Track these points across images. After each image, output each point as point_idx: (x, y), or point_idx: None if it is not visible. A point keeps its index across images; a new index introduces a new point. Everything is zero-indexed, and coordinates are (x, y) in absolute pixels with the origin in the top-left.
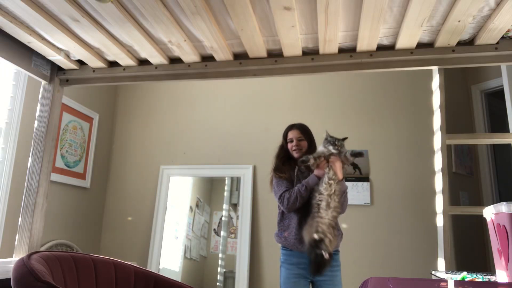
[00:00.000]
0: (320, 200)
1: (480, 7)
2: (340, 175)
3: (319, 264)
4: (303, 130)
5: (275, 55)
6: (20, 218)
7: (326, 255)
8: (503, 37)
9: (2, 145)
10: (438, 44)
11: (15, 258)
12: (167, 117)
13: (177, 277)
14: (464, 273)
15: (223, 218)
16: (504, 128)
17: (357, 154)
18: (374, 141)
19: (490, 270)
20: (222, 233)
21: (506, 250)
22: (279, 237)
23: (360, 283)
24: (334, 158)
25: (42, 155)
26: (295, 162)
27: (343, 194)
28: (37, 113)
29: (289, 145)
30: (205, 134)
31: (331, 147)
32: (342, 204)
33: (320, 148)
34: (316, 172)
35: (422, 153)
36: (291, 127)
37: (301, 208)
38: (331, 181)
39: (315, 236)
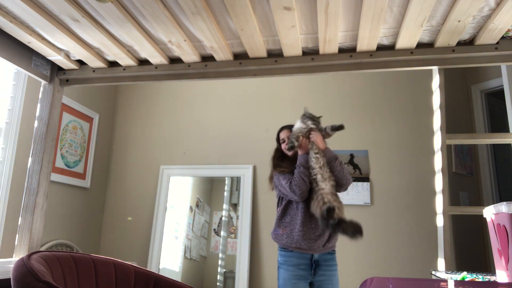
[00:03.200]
0: (315, 174)
1: (480, 7)
2: (322, 146)
3: (346, 229)
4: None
5: (275, 55)
6: (20, 218)
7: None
8: (503, 37)
9: (2, 145)
10: (438, 44)
11: (15, 258)
12: (167, 117)
13: (177, 277)
14: (464, 273)
15: (223, 218)
16: (504, 128)
17: (338, 128)
18: (374, 141)
19: (490, 270)
20: (222, 233)
21: (506, 250)
22: (276, 235)
23: (360, 283)
24: (313, 133)
25: (42, 155)
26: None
27: (336, 161)
28: (37, 113)
29: (283, 146)
30: (205, 134)
31: (310, 122)
32: (342, 172)
33: (297, 124)
34: (299, 151)
35: (422, 153)
36: (281, 129)
37: (304, 205)
38: (317, 155)
39: (326, 206)
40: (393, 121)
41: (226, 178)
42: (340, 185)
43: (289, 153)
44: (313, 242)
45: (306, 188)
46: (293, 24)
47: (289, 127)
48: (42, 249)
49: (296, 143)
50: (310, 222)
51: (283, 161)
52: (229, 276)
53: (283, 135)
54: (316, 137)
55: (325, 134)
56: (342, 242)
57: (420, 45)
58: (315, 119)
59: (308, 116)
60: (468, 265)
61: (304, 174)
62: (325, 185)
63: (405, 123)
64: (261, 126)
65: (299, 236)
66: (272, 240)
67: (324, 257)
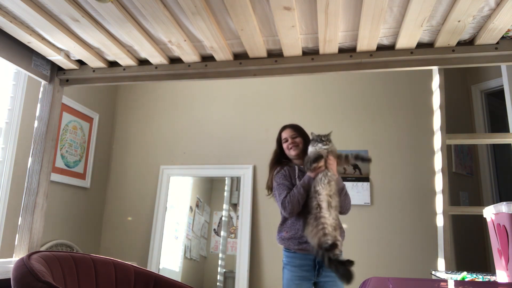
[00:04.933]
0: (321, 201)
1: (480, 7)
2: (335, 174)
3: (338, 270)
4: (296, 128)
5: (275, 55)
6: (20, 218)
7: (340, 255)
8: (503, 37)
9: (2, 145)
10: (438, 44)
11: (15, 258)
12: (167, 117)
13: (177, 277)
14: (464, 273)
15: (223, 218)
16: (504, 128)
17: (363, 159)
18: (374, 141)
19: (490, 270)
20: (222, 233)
21: (506, 250)
22: (281, 239)
23: (360, 283)
24: (331, 158)
25: (42, 155)
26: (291, 162)
27: (343, 191)
28: (37, 113)
29: (285, 145)
30: (205, 134)
31: (320, 145)
32: (344, 202)
33: (310, 149)
34: (310, 173)
35: (422, 153)
36: (283, 128)
37: (305, 209)
38: (331, 181)
39: (328, 241)
40: (393, 121)
41: (226, 178)
42: (339, 212)
43: (293, 152)
44: None
45: (297, 210)
46: (293, 24)
47: (292, 126)
48: (42, 249)
49: (321, 163)
50: None
51: (282, 163)
52: (229, 276)
53: (285, 134)
54: (332, 164)
55: (345, 161)
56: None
57: (420, 45)
58: (323, 139)
59: (315, 140)
60: (468, 265)
61: (302, 197)
62: (328, 215)
63: (405, 123)
64: (261, 126)
65: (302, 239)
66: (272, 240)
67: None
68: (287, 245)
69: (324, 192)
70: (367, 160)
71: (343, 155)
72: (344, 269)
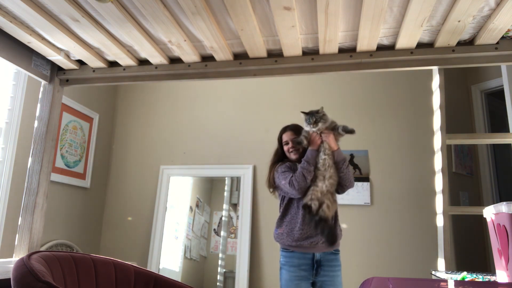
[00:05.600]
0: (317, 175)
1: (480, 7)
2: (334, 146)
3: (322, 229)
4: (297, 131)
5: (275, 55)
6: (20, 218)
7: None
8: (503, 37)
9: (2, 145)
10: (438, 44)
11: (15, 258)
12: (167, 117)
13: (177, 277)
14: (464, 273)
15: (223, 218)
16: (504, 128)
17: (349, 131)
18: (374, 141)
19: (490, 270)
20: (222, 233)
21: (506, 250)
22: (278, 234)
23: (360, 283)
24: (326, 131)
25: (42, 155)
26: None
27: (344, 163)
28: (37, 113)
29: (285, 148)
30: (205, 134)
31: (313, 118)
32: (347, 175)
33: (305, 128)
34: (311, 146)
35: (422, 153)
36: (284, 130)
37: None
38: (326, 155)
39: (308, 203)
40: (393, 121)
41: (226, 178)
42: (342, 186)
43: (293, 156)
44: (314, 239)
45: (305, 185)
46: (293, 24)
47: (292, 128)
48: (42, 249)
49: (305, 141)
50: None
51: (283, 162)
52: (229, 276)
53: (286, 137)
54: (328, 136)
55: (337, 134)
56: (341, 242)
57: (420, 45)
58: (314, 114)
59: (309, 116)
60: (468, 265)
61: (307, 171)
62: (321, 184)
63: (405, 123)
64: (261, 126)
65: (299, 234)
66: (272, 240)
67: (326, 257)
68: (284, 242)
69: (322, 168)
70: (351, 131)
71: (334, 125)
72: (328, 230)
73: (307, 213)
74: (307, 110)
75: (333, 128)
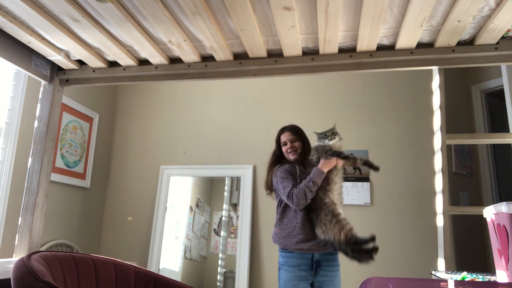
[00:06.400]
0: (335, 198)
1: (480, 7)
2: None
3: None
4: (295, 131)
5: (275, 55)
6: (20, 218)
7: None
8: (503, 37)
9: (2, 145)
10: (438, 44)
11: (15, 258)
12: (167, 117)
13: (177, 277)
14: (464, 273)
15: (223, 218)
16: (504, 128)
17: (371, 166)
18: (374, 141)
19: (490, 270)
20: (222, 233)
21: (506, 250)
22: (277, 237)
23: (360, 283)
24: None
25: (42, 155)
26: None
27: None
28: (37, 113)
29: (284, 148)
30: (205, 134)
31: (326, 141)
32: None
33: (317, 144)
34: (325, 168)
35: (422, 153)
36: (282, 131)
37: (311, 205)
38: (339, 181)
39: (358, 234)
40: (393, 121)
41: (226, 178)
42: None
43: (292, 157)
44: (313, 243)
45: (304, 203)
46: (293, 24)
47: (291, 129)
48: (42, 249)
49: (350, 161)
50: (309, 223)
51: (282, 164)
52: (229, 276)
53: (284, 137)
54: (340, 163)
55: (352, 162)
56: None
57: (420, 45)
58: (328, 135)
59: (321, 137)
60: (468, 265)
61: (310, 191)
62: (342, 211)
63: (405, 123)
64: (261, 126)
65: (299, 238)
66: (272, 240)
67: (325, 257)
68: (283, 244)
69: (335, 192)
70: (375, 168)
71: (352, 156)
72: (368, 256)
73: (350, 244)
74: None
75: (350, 158)
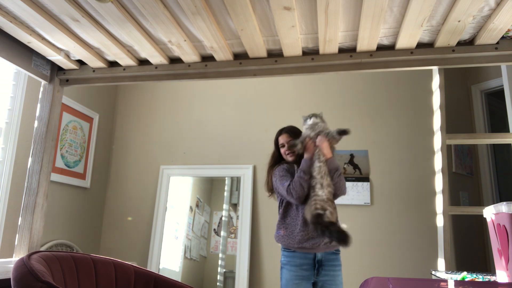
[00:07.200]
0: (315, 183)
1: (480, 7)
2: (328, 154)
3: (332, 233)
4: (292, 133)
5: (275, 55)
6: (20, 218)
7: (330, 220)
8: (503, 37)
9: (2, 145)
10: (438, 44)
11: (15, 258)
12: (167, 117)
13: (177, 277)
14: (464, 273)
15: (223, 218)
16: (504, 128)
17: (343, 132)
18: (374, 141)
19: (490, 270)
20: (222, 233)
21: (506, 250)
22: (280, 236)
23: (360, 283)
24: (320, 138)
25: (42, 155)
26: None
27: (336, 172)
28: (37, 113)
29: (282, 150)
30: (205, 134)
31: (307, 121)
32: (339, 184)
33: (304, 131)
34: (305, 155)
35: (422, 153)
36: (280, 132)
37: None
38: (321, 164)
39: (315, 212)
40: (393, 121)
41: (226, 178)
42: (334, 194)
43: (290, 158)
44: (315, 241)
45: (303, 193)
46: (293, 24)
47: (288, 130)
48: (42, 249)
49: (299, 146)
50: None
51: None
52: (229, 276)
53: (282, 139)
54: (322, 143)
55: (332, 139)
56: None
57: (420, 45)
58: (314, 116)
59: (308, 118)
60: (468, 265)
61: (303, 180)
62: (321, 192)
63: (405, 123)
64: (261, 126)
65: (301, 236)
66: (272, 240)
67: (327, 257)
68: (286, 243)
69: (318, 175)
70: (344, 131)
71: (327, 132)
72: (338, 232)
73: (319, 223)
74: (307, 113)
75: (327, 135)
